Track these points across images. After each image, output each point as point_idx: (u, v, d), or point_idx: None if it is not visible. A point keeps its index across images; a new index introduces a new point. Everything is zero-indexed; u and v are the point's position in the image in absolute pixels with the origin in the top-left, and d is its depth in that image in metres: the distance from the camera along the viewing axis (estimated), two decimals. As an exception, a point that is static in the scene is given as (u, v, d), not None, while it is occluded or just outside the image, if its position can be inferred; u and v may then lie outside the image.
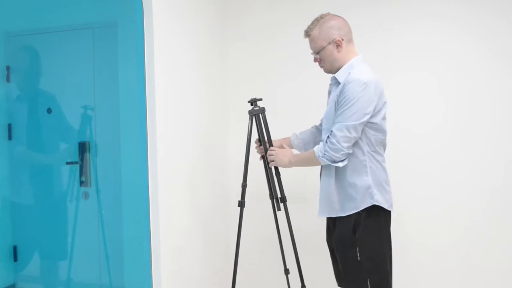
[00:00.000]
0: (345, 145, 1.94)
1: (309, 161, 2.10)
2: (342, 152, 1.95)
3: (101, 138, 2.56)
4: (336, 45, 2.03)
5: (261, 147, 2.41)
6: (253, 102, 2.41)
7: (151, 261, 2.26)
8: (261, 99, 2.43)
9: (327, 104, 2.15)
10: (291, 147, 2.43)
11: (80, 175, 2.59)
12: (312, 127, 2.43)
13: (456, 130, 2.79)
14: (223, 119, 3.16)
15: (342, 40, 2.03)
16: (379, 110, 1.98)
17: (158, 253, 2.26)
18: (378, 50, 2.88)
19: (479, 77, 2.75)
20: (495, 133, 2.73)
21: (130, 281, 2.41)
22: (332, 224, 2.12)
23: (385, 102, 2.03)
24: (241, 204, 2.42)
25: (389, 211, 2.08)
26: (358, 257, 1.98)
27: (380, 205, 2.00)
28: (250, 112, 2.42)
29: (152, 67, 2.22)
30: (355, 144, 1.98)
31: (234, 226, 3.19)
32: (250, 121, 2.42)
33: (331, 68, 2.09)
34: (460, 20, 2.77)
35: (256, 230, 3.01)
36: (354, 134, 1.94)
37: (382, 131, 2.03)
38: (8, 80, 2.69)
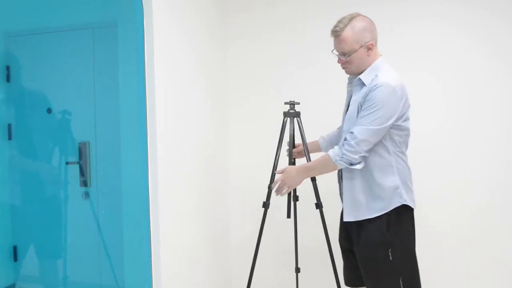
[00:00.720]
0: (365, 148, 1.91)
1: (324, 167, 2.05)
2: (360, 155, 1.92)
3: (101, 138, 2.56)
4: (367, 49, 1.98)
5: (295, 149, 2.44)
6: (290, 104, 2.43)
7: (151, 261, 2.26)
8: (298, 103, 2.45)
9: (349, 105, 2.07)
10: (319, 150, 2.40)
11: (80, 175, 2.59)
12: (338, 128, 2.36)
13: (456, 130, 2.79)
14: (223, 118, 3.16)
15: (373, 44, 1.99)
16: (404, 113, 1.97)
17: (158, 253, 2.26)
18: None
19: (479, 77, 2.74)
20: (495, 133, 2.73)
21: (130, 281, 2.41)
22: (356, 226, 2.05)
23: (409, 104, 2.01)
24: (266, 205, 2.42)
25: (413, 209, 2.07)
26: (390, 257, 1.94)
27: (408, 204, 1.99)
28: (285, 114, 2.45)
29: (152, 67, 2.22)
30: (381, 144, 1.96)
31: (235, 226, 3.19)
32: (284, 122, 2.44)
33: (357, 70, 2.03)
34: (460, 20, 2.77)
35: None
36: (375, 139, 1.92)
37: (406, 131, 2.02)
38: (8, 80, 2.69)
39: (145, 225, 2.26)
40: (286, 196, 2.44)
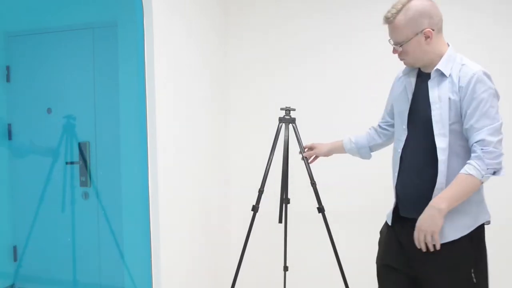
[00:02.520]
0: (501, 149, 1.64)
1: (467, 193, 1.65)
2: (502, 158, 1.63)
3: (101, 138, 2.56)
4: (425, 37, 1.67)
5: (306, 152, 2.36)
6: (285, 110, 2.43)
7: (151, 261, 2.26)
8: (294, 109, 2.44)
9: (433, 103, 1.69)
10: (342, 151, 2.20)
11: (80, 175, 2.59)
12: (370, 129, 2.13)
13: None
14: (224, 118, 3.15)
15: (433, 30, 1.67)
16: None
17: (158, 253, 2.26)
18: (378, 50, 2.88)
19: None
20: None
21: (130, 281, 2.41)
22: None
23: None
24: (255, 208, 2.41)
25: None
26: (474, 279, 1.66)
27: (489, 220, 1.74)
28: (280, 119, 2.44)
29: (152, 67, 2.22)
30: (466, 147, 1.67)
31: (235, 225, 3.19)
32: (278, 128, 2.43)
33: (416, 62, 1.75)
34: (460, 20, 2.77)
35: (258, 231, 3.00)
36: (502, 135, 1.65)
37: None
38: (8, 80, 2.69)
39: (145, 225, 2.26)
40: (278, 200, 2.44)
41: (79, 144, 2.58)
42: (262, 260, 3.07)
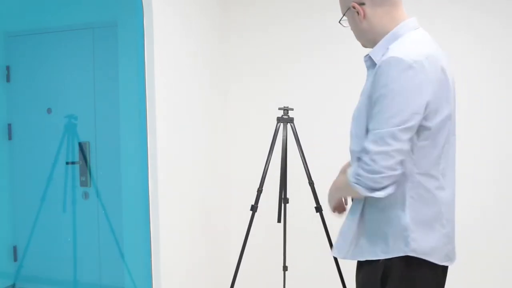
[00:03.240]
0: (385, 163, 1.20)
1: (346, 189, 1.37)
2: (381, 176, 1.20)
3: (101, 138, 2.56)
4: (357, 13, 1.36)
5: None
6: (284, 110, 2.43)
7: (151, 261, 2.26)
8: (292, 109, 2.43)
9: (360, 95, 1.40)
10: None
11: (80, 175, 2.59)
12: None
13: (457, 130, 2.79)
14: (224, 118, 3.15)
15: (362, 4, 1.34)
16: (438, 107, 1.25)
17: (158, 253, 2.26)
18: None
19: (479, 77, 2.74)
20: (496, 132, 2.73)
21: (130, 281, 2.42)
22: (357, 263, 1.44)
23: (449, 90, 1.30)
24: (254, 208, 2.42)
25: (438, 266, 1.33)
26: None
27: (419, 256, 1.28)
28: (278, 119, 2.44)
29: (152, 67, 2.22)
30: None
31: (235, 225, 3.19)
32: (277, 128, 2.42)
33: (362, 42, 1.46)
34: (460, 20, 2.77)
35: (258, 231, 3.01)
36: (397, 146, 1.20)
37: (440, 142, 1.28)
38: (8, 80, 2.70)
39: (145, 225, 2.26)
40: (277, 200, 2.45)
41: (79, 144, 2.58)
42: (261, 260, 3.07)
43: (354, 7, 1.36)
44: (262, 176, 2.38)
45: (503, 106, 2.73)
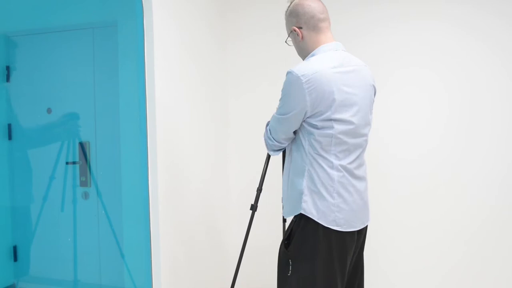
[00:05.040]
0: (275, 136, 1.82)
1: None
2: (272, 143, 1.86)
3: (101, 138, 2.56)
4: (297, 34, 1.82)
5: None
6: None
7: (151, 261, 2.26)
8: None
9: None
10: None
11: (80, 175, 2.59)
12: None
13: (457, 130, 2.79)
14: (223, 118, 3.16)
15: (300, 28, 1.80)
16: (321, 111, 1.67)
17: (158, 253, 2.26)
18: (374, 53, 2.88)
19: (480, 77, 2.75)
20: (496, 132, 2.73)
21: (130, 281, 2.42)
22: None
23: (332, 102, 1.67)
24: (254, 208, 2.42)
25: (330, 230, 1.70)
26: (290, 271, 1.74)
27: (310, 216, 1.70)
28: None
29: (152, 67, 2.22)
30: (299, 141, 1.76)
31: (234, 225, 3.19)
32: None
33: (302, 58, 1.90)
34: (460, 20, 2.77)
35: (258, 230, 3.01)
36: (281, 128, 1.78)
37: (327, 133, 1.69)
38: (8, 80, 2.69)
39: (145, 225, 2.26)
40: (277, 199, 2.44)
41: (80, 144, 2.58)
42: (261, 260, 3.07)
43: (295, 30, 1.81)
44: (262, 176, 2.38)
45: (504, 106, 2.73)
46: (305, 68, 1.68)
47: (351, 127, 1.71)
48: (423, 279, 2.85)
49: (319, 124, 1.69)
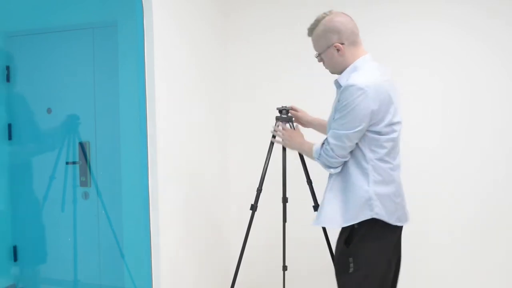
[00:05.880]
0: (339, 153, 1.84)
1: (309, 156, 2.03)
2: (335, 160, 1.86)
3: (101, 138, 2.56)
4: (337, 49, 1.89)
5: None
6: (281, 110, 2.42)
7: (151, 261, 2.26)
8: (291, 108, 2.43)
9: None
10: (322, 129, 2.29)
11: (80, 175, 2.59)
12: None
13: (457, 130, 2.79)
14: (223, 118, 3.16)
15: (343, 44, 1.88)
16: (383, 117, 1.81)
17: (158, 253, 2.26)
18: (375, 52, 2.88)
19: (480, 77, 2.75)
20: (496, 132, 2.73)
21: (130, 281, 2.41)
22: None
23: (390, 105, 1.83)
24: (254, 207, 2.42)
25: (393, 226, 1.87)
26: (351, 269, 1.85)
27: (381, 218, 1.82)
28: (277, 118, 2.43)
29: (152, 67, 2.22)
30: (358, 150, 1.85)
31: (234, 225, 3.19)
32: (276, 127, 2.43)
33: (334, 70, 1.99)
34: (461, 20, 2.77)
35: (257, 230, 3.01)
36: (348, 143, 1.82)
37: (389, 138, 1.84)
38: (8, 80, 2.69)
39: (145, 225, 2.26)
40: (281, 200, 2.45)
41: (80, 144, 2.58)
42: (261, 260, 3.08)
43: (336, 46, 1.89)
44: (262, 176, 2.39)
45: (504, 106, 2.73)
46: (364, 79, 1.78)
47: (400, 128, 1.90)
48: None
49: (383, 130, 1.82)
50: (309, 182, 2.40)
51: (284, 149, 2.43)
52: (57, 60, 2.62)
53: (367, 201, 1.81)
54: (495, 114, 2.73)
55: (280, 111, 2.41)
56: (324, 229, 2.40)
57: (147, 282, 2.27)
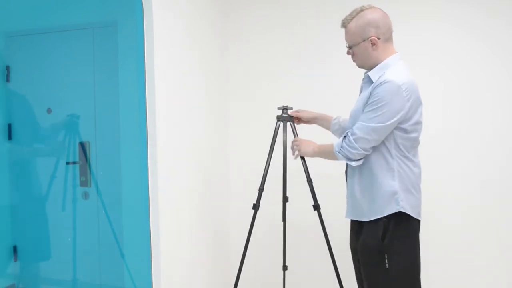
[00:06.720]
0: (362, 146, 1.88)
1: (329, 154, 2.05)
2: (357, 152, 1.89)
3: (101, 138, 2.56)
4: (371, 43, 1.91)
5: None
6: (283, 109, 2.43)
7: (151, 261, 2.26)
8: (291, 108, 2.45)
9: (357, 101, 2.03)
10: (327, 124, 2.35)
11: (80, 175, 2.59)
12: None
13: (458, 129, 2.79)
14: (223, 118, 3.16)
15: (379, 39, 1.90)
16: (411, 116, 1.87)
17: (158, 253, 2.26)
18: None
19: (480, 77, 2.75)
20: (496, 132, 2.73)
21: (130, 281, 2.41)
22: (359, 226, 2.02)
23: (419, 105, 1.91)
24: (256, 207, 2.43)
25: (416, 220, 1.96)
26: (386, 265, 1.88)
27: (406, 211, 1.89)
28: (278, 118, 2.44)
29: (152, 67, 2.22)
30: (384, 146, 1.90)
31: (235, 225, 3.19)
32: (276, 127, 2.43)
33: (364, 64, 1.99)
34: (461, 20, 2.77)
35: (258, 230, 3.01)
36: (374, 137, 1.86)
37: (413, 136, 1.92)
38: (8, 80, 2.69)
39: (145, 225, 2.26)
40: (281, 199, 2.46)
41: (80, 144, 2.58)
42: (261, 259, 3.08)
43: (372, 40, 1.89)
44: (263, 175, 2.39)
45: (504, 106, 2.73)
46: (399, 77, 1.83)
47: (421, 128, 1.97)
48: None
49: (409, 128, 1.88)
50: (309, 181, 2.40)
51: (285, 148, 2.44)
52: (57, 60, 2.62)
53: (393, 195, 1.88)
54: (495, 114, 2.73)
55: (282, 110, 2.42)
56: (324, 229, 2.40)
57: (147, 282, 2.27)
